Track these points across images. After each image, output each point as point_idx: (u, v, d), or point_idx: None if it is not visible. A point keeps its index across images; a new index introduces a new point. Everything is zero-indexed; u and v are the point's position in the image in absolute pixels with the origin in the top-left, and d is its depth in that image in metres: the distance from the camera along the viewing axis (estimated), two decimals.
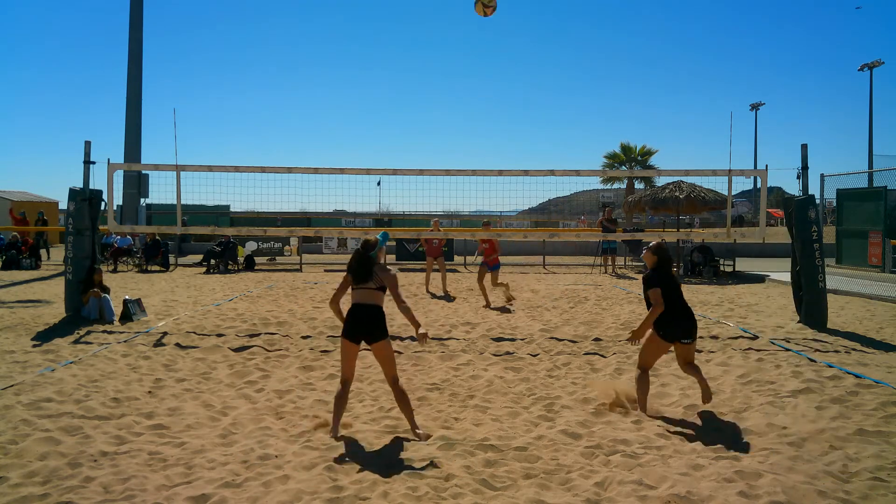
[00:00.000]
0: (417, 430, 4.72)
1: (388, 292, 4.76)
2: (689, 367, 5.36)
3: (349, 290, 4.89)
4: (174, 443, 4.47)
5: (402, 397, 4.78)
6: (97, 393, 5.57)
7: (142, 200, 25.52)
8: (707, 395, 5.20)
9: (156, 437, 4.58)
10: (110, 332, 8.36)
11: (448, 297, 12.29)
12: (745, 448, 4.43)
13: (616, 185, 38.03)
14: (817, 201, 9.45)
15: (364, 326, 4.67)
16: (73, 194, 9.49)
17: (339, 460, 4.17)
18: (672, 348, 5.35)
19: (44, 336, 8.02)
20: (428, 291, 12.92)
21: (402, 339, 7.94)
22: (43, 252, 20.56)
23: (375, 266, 4.76)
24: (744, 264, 18.70)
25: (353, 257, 4.85)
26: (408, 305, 4.74)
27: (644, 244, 6.64)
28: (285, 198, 28.09)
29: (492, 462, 4.19)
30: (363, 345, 4.71)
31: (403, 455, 4.30)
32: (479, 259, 12.27)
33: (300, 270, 18.44)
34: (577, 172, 10.55)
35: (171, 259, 19.14)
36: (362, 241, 4.88)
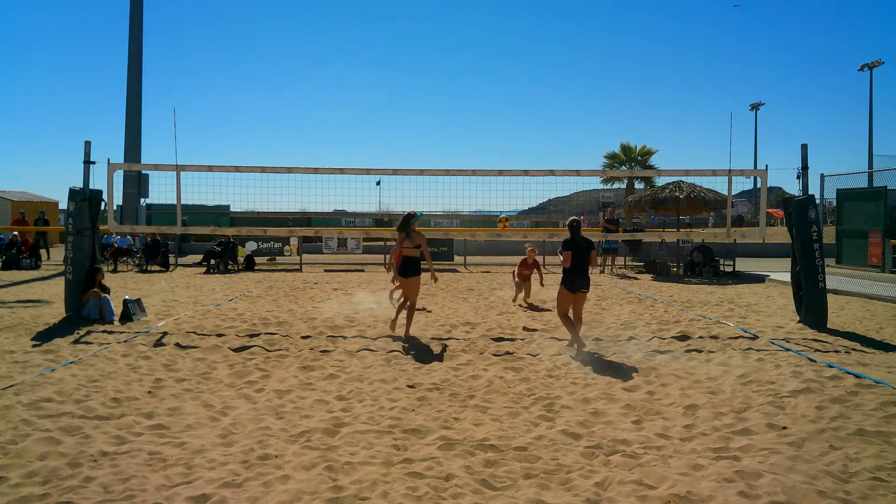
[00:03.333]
0: (408, 334, 8.07)
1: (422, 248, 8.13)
2: (577, 317, 7.65)
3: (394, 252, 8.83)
4: (174, 443, 4.47)
5: (410, 313, 8.27)
6: (97, 393, 5.57)
7: (142, 200, 25.55)
8: (580, 345, 7.41)
9: (156, 437, 4.57)
10: (110, 332, 8.37)
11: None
12: (745, 448, 4.42)
13: (616, 185, 38.03)
14: (817, 201, 9.45)
15: (409, 269, 8.11)
16: (73, 194, 9.49)
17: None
18: (575, 297, 7.57)
19: (44, 336, 8.02)
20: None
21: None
22: (43, 252, 20.58)
23: (413, 231, 8.08)
24: (744, 264, 18.71)
25: (402, 219, 8.22)
26: (431, 261, 8.53)
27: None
28: (285, 198, 28.17)
29: (492, 462, 4.19)
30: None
31: (403, 454, 4.30)
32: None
33: (300, 270, 18.45)
34: (577, 172, 10.56)
35: (171, 259, 19.15)
36: (406, 213, 8.25)
